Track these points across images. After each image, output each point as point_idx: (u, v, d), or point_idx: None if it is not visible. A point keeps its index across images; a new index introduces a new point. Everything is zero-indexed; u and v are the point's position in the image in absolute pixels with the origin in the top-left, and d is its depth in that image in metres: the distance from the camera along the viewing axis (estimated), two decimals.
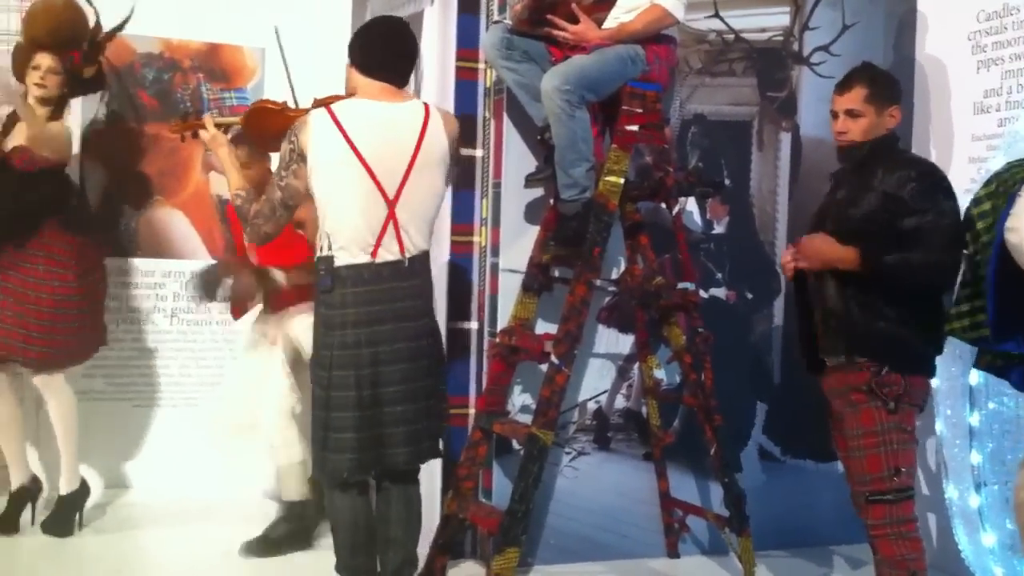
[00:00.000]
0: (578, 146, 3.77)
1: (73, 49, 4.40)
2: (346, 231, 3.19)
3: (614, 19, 3.87)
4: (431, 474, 4.15)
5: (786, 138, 4.67)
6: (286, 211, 3.31)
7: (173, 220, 5.30)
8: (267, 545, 4.28)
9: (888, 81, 3.43)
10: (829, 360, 3.40)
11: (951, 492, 3.96)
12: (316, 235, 3.31)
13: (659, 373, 4.35)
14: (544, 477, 3.87)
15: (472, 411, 4.23)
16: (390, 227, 3.21)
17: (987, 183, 3.16)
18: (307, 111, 3.37)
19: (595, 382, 4.39)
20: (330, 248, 3.22)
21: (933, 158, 4.41)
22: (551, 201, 4.06)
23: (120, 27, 4.61)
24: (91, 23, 4.48)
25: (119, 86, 5.17)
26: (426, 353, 3.32)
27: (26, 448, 4.57)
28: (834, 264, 3.27)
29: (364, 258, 3.20)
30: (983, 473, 3.84)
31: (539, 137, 4.02)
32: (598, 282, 3.98)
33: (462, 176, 4.18)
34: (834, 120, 3.41)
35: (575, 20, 3.83)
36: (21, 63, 4.39)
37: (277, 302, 4.45)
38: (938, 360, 3.37)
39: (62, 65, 4.36)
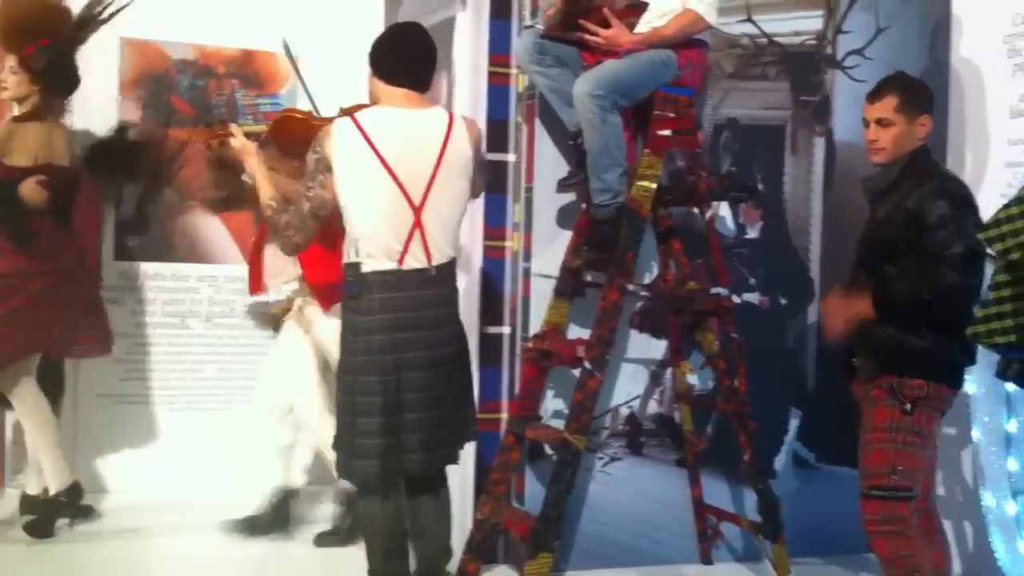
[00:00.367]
0: (611, 151, 3.77)
1: (27, 45, 4.28)
2: (373, 238, 3.21)
3: (646, 24, 3.86)
4: (464, 479, 4.17)
5: (820, 142, 4.64)
6: (315, 221, 3.32)
7: (207, 224, 5.36)
8: (339, 537, 4.35)
9: (920, 90, 3.41)
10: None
11: (988, 499, 3.91)
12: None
13: (692, 378, 4.33)
14: (577, 482, 3.87)
15: (505, 416, 4.24)
16: (417, 234, 3.23)
17: None
18: (331, 120, 3.39)
19: (628, 387, 4.38)
20: (357, 255, 3.24)
21: (968, 163, 4.37)
22: (583, 206, 4.05)
23: (89, 24, 4.48)
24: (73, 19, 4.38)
25: (154, 91, 5.21)
26: (448, 361, 3.32)
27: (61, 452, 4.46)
28: (855, 318, 3.29)
29: (391, 265, 3.21)
30: (1020, 480, 3.80)
31: (571, 142, 4.02)
32: (631, 287, 3.98)
33: (494, 181, 4.19)
34: (865, 128, 3.40)
35: (607, 25, 3.82)
36: None
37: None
38: (976, 367, 3.33)
39: (24, 64, 4.26)
